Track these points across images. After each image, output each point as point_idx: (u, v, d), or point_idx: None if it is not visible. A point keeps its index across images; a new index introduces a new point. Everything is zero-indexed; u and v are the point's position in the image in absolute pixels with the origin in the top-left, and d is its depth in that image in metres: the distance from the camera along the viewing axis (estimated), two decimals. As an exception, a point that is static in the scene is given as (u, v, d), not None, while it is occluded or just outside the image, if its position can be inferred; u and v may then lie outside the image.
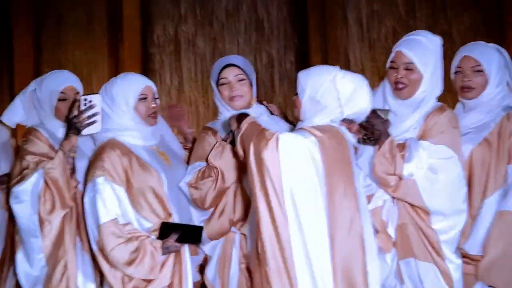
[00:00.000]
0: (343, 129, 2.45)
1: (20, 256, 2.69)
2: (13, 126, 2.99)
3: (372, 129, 2.54)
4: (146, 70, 5.01)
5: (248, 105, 2.82)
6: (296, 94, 2.51)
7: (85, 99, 2.53)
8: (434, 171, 2.57)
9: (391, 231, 2.64)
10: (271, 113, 2.95)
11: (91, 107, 2.51)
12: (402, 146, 2.60)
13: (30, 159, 2.68)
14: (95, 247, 2.56)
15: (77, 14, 4.98)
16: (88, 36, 5.03)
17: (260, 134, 2.39)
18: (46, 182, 2.58)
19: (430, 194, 2.57)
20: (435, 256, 2.61)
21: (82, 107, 2.53)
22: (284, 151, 2.31)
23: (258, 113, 2.82)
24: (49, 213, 2.60)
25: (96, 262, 2.63)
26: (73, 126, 2.56)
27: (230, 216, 2.70)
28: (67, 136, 2.60)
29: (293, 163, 2.31)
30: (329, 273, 2.30)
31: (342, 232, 2.35)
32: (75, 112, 2.56)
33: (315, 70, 2.53)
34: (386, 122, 2.57)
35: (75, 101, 2.67)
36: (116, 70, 4.88)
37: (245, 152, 2.41)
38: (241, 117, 2.52)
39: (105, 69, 5.01)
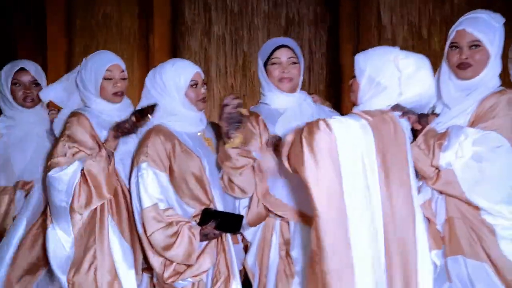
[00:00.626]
0: (398, 117, 2.34)
1: (51, 232, 2.69)
2: (46, 101, 3.01)
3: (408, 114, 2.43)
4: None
5: (294, 89, 2.79)
6: (354, 77, 2.44)
7: (141, 110, 2.58)
8: (479, 160, 2.35)
9: (439, 225, 2.49)
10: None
11: (146, 119, 2.56)
12: (443, 135, 2.44)
13: (68, 147, 2.68)
14: (140, 231, 2.60)
15: (108, 4, 5.04)
16: (119, 27, 5.05)
17: (309, 124, 2.25)
18: (84, 176, 2.60)
19: (471, 185, 2.36)
20: (487, 254, 2.39)
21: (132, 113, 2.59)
22: (338, 132, 2.20)
23: (302, 99, 2.81)
24: (83, 207, 2.63)
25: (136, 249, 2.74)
26: (123, 132, 2.60)
27: None
28: (114, 137, 2.62)
29: (347, 145, 2.20)
30: (383, 262, 2.20)
31: (396, 220, 2.24)
32: (130, 123, 2.57)
33: (374, 51, 2.47)
34: (427, 116, 2.47)
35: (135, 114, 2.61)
36: (146, 60, 4.96)
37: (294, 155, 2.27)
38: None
39: (135, 59, 5.03)
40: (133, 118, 2.59)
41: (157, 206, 2.55)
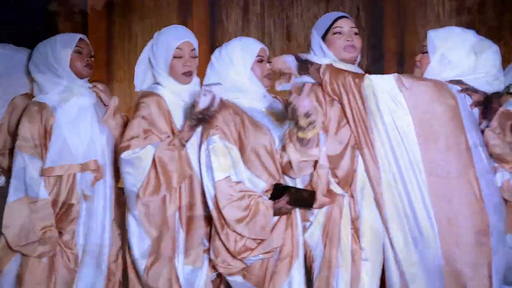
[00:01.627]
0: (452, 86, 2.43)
1: (130, 219, 2.62)
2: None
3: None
4: (213, 47, 4.87)
5: (355, 61, 2.75)
6: (424, 52, 2.52)
7: (207, 90, 2.50)
8: None
9: None
10: None
11: (214, 99, 2.48)
12: None
13: (140, 129, 2.59)
14: (211, 205, 2.54)
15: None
16: (157, 12, 5.02)
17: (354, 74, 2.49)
18: (154, 163, 2.54)
19: None
20: None
21: (205, 101, 2.47)
22: (376, 84, 2.39)
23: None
24: (150, 194, 2.54)
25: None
26: (197, 119, 2.53)
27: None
28: (189, 127, 2.55)
29: (383, 100, 2.37)
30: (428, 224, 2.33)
31: (442, 186, 2.33)
32: (201, 106, 2.49)
33: (450, 30, 2.56)
34: (500, 97, 2.48)
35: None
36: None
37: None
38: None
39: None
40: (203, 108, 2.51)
41: (230, 178, 2.51)
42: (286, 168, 2.58)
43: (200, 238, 2.66)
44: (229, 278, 2.61)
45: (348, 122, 2.52)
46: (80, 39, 2.93)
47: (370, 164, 2.49)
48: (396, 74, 2.52)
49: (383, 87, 2.48)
